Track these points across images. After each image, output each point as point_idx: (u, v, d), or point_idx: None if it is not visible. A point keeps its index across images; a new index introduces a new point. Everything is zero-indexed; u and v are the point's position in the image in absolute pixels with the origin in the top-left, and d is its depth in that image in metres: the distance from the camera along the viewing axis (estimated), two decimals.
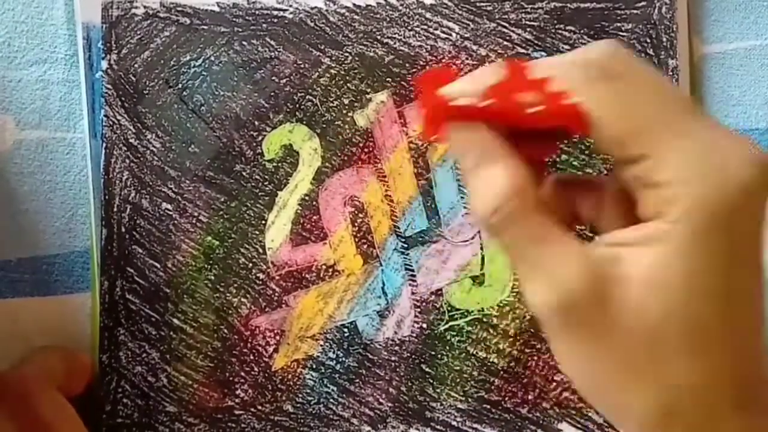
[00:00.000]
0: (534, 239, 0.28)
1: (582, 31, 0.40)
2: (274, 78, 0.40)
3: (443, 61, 0.40)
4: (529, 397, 0.39)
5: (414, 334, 0.39)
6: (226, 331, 0.39)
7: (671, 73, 0.39)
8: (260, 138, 0.40)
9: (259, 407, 0.39)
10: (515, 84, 0.29)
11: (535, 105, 0.28)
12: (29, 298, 0.39)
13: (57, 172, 0.39)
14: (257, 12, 0.40)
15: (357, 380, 0.39)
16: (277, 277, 0.39)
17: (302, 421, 0.39)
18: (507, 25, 0.40)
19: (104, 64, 0.39)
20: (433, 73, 0.30)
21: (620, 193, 0.29)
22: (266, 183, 0.39)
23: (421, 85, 0.31)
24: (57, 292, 0.39)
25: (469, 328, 0.39)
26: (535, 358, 0.39)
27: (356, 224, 0.39)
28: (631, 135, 0.27)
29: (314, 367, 0.39)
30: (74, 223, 0.39)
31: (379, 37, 0.40)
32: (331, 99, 0.40)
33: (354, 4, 0.40)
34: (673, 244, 0.26)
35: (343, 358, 0.39)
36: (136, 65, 0.39)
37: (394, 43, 0.40)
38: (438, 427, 0.39)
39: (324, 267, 0.39)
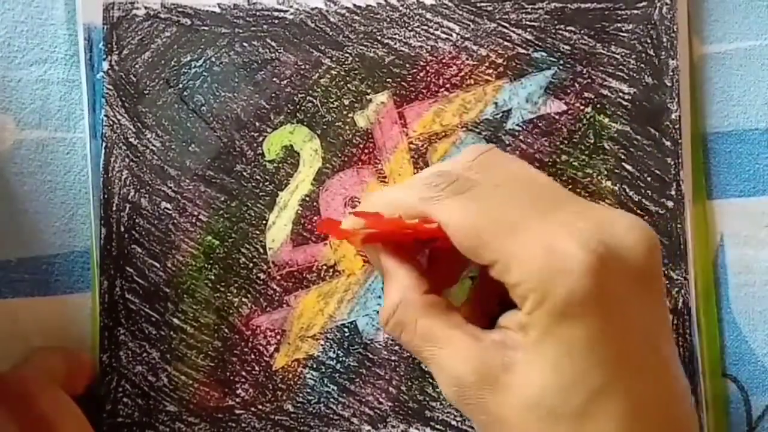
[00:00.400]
0: (424, 340, 0.31)
1: (582, 32, 0.40)
2: (274, 79, 0.40)
3: (444, 61, 0.40)
4: None
5: None
6: (226, 330, 0.39)
7: (672, 74, 0.39)
8: (261, 138, 0.40)
9: (260, 407, 0.39)
10: (381, 224, 0.32)
11: (405, 228, 0.32)
12: (29, 298, 0.39)
13: (57, 172, 0.40)
14: (258, 13, 0.40)
15: (357, 380, 0.39)
16: (278, 277, 0.39)
17: (303, 420, 0.39)
18: (507, 25, 0.40)
19: (105, 65, 0.39)
20: (325, 222, 0.38)
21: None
22: (267, 183, 0.40)
23: (326, 230, 0.38)
24: (57, 292, 0.39)
25: None
26: None
27: None
28: (480, 244, 0.30)
29: (315, 366, 0.39)
30: (74, 223, 0.39)
31: (379, 38, 0.40)
32: (332, 100, 0.40)
33: (354, 5, 0.40)
34: (535, 332, 0.29)
35: (344, 358, 0.39)
36: (136, 66, 0.40)
37: (395, 44, 0.40)
38: (438, 426, 0.39)
39: (324, 267, 0.39)
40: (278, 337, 0.39)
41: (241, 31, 0.40)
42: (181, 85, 0.40)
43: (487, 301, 0.33)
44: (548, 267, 0.28)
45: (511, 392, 0.29)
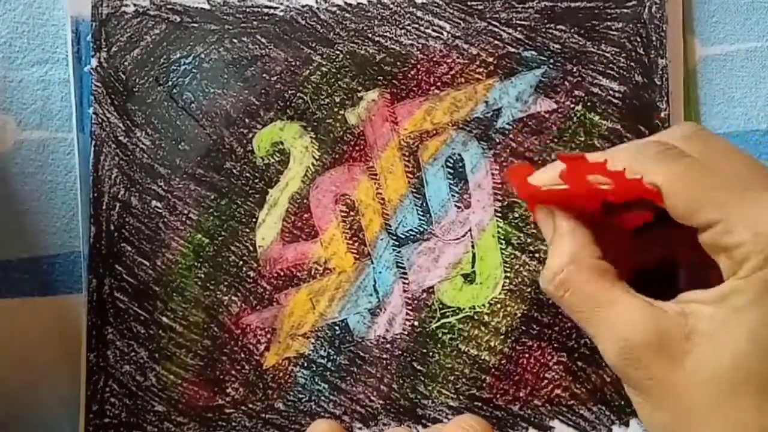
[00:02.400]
0: (592, 301, 0.31)
1: (572, 30, 0.40)
2: (264, 75, 0.39)
3: (434, 59, 0.40)
4: (521, 394, 0.39)
5: (405, 332, 0.39)
6: (216, 329, 0.39)
7: (661, 72, 0.40)
8: (251, 136, 0.39)
9: (250, 405, 0.39)
10: (581, 169, 0.32)
11: (605, 184, 0.31)
12: (29, 297, 0.39)
13: (58, 172, 0.39)
14: (248, 9, 0.40)
15: (348, 378, 0.39)
16: (268, 275, 0.39)
17: (293, 419, 0.39)
18: (498, 24, 0.40)
19: (94, 62, 0.39)
20: (517, 168, 0.36)
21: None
22: (257, 180, 0.39)
23: (513, 178, 0.35)
24: (57, 292, 0.39)
25: (461, 326, 0.39)
26: (527, 355, 0.39)
27: (347, 222, 0.39)
28: (700, 204, 0.30)
29: (305, 365, 0.39)
30: (75, 223, 0.39)
31: (370, 35, 0.40)
32: (322, 97, 0.40)
33: (345, 2, 0.40)
34: (742, 298, 0.28)
35: (335, 356, 0.39)
36: (126, 63, 0.39)
37: (386, 42, 0.40)
38: (429, 424, 0.39)
39: (315, 265, 0.39)
40: (268, 335, 0.39)
41: (230, 27, 0.39)
42: (170, 83, 0.39)
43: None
44: None
45: (689, 361, 0.29)
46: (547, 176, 0.33)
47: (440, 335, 0.39)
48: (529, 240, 0.39)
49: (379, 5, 0.40)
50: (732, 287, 0.29)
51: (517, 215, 0.39)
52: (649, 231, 0.34)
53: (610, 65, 0.40)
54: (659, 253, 0.35)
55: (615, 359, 0.30)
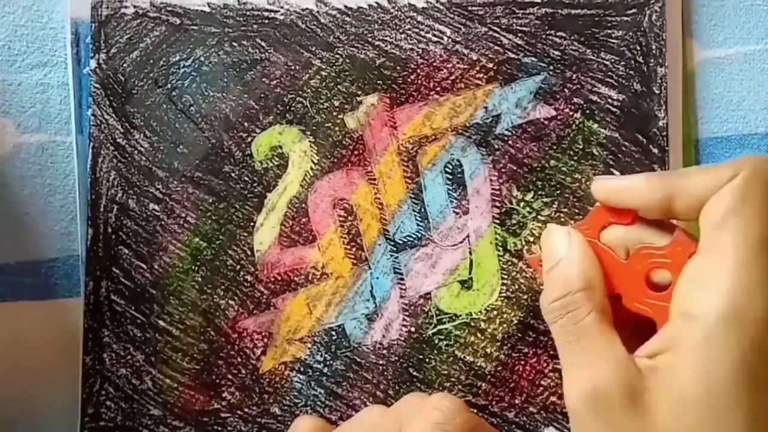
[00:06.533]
0: (585, 333, 0.31)
1: (572, 37, 0.40)
2: (264, 79, 0.39)
3: (434, 64, 0.40)
4: (516, 401, 0.39)
5: (402, 338, 0.39)
6: (213, 333, 0.39)
7: (660, 81, 0.40)
8: (249, 139, 0.39)
9: (246, 410, 0.39)
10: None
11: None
12: (29, 301, 0.39)
13: (57, 175, 0.39)
14: (248, 13, 0.39)
15: (344, 383, 0.39)
16: (265, 280, 0.39)
17: (289, 424, 0.38)
18: (498, 29, 0.40)
19: (93, 64, 0.39)
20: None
21: None
22: (255, 185, 0.39)
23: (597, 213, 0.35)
24: (56, 295, 0.39)
25: (457, 332, 0.39)
26: (523, 362, 0.39)
27: (345, 227, 0.39)
28: None
29: (302, 370, 0.39)
30: (74, 226, 0.39)
31: (370, 40, 0.40)
32: (322, 101, 0.39)
33: (345, 6, 0.40)
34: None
35: (331, 362, 0.39)
36: (125, 65, 0.39)
37: (386, 46, 0.40)
38: None
39: (312, 270, 0.39)
40: (265, 340, 0.39)
41: (230, 30, 0.39)
42: (169, 85, 0.39)
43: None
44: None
45: (651, 414, 0.29)
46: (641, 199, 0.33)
47: (437, 341, 0.39)
48: (526, 247, 0.39)
49: (379, 9, 0.40)
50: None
51: (515, 222, 0.39)
52: None
53: (610, 73, 0.40)
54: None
55: (577, 396, 0.30)
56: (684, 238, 0.32)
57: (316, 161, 0.39)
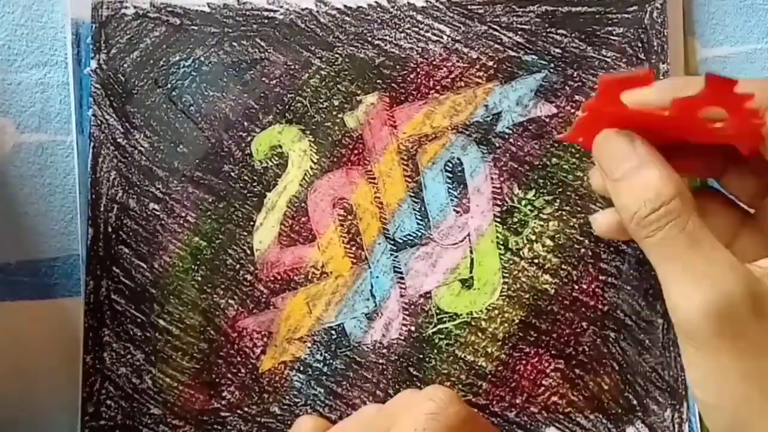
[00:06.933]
0: (692, 241, 0.28)
1: (573, 35, 0.40)
2: (263, 79, 0.39)
3: (434, 63, 0.40)
4: (517, 401, 0.39)
5: (402, 337, 0.39)
6: (212, 332, 0.39)
7: (662, 78, 0.39)
8: (249, 139, 0.39)
9: (246, 409, 0.39)
10: (712, 98, 0.29)
11: (719, 121, 0.29)
12: (28, 301, 0.39)
13: (57, 175, 0.39)
14: (247, 13, 0.40)
15: (344, 383, 0.39)
16: (265, 279, 0.39)
17: (289, 423, 0.38)
18: (498, 28, 0.40)
19: (93, 64, 0.39)
20: (613, 80, 0.31)
21: None
22: (255, 184, 0.39)
23: (604, 88, 0.31)
24: (56, 295, 0.39)
25: (458, 332, 0.39)
26: (523, 362, 0.39)
27: (345, 226, 0.39)
28: None
29: (301, 369, 0.39)
30: (74, 226, 0.39)
31: (369, 39, 0.40)
32: (321, 100, 0.39)
33: (345, 6, 0.40)
34: None
35: (331, 361, 0.39)
36: (125, 65, 0.39)
37: (385, 45, 0.40)
38: None
39: (312, 269, 0.39)
40: (265, 339, 0.39)
41: (230, 30, 0.39)
42: (169, 85, 0.39)
43: None
44: None
45: None
46: (653, 97, 0.30)
47: (437, 341, 0.39)
48: (528, 246, 0.39)
49: (378, 9, 0.40)
50: None
51: (516, 220, 0.39)
52: None
53: (611, 70, 0.39)
54: None
55: (704, 311, 0.27)
56: (717, 77, 0.29)
57: (315, 160, 0.39)
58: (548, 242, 0.39)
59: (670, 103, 0.29)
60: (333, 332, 0.39)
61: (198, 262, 0.39)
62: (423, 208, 0.39)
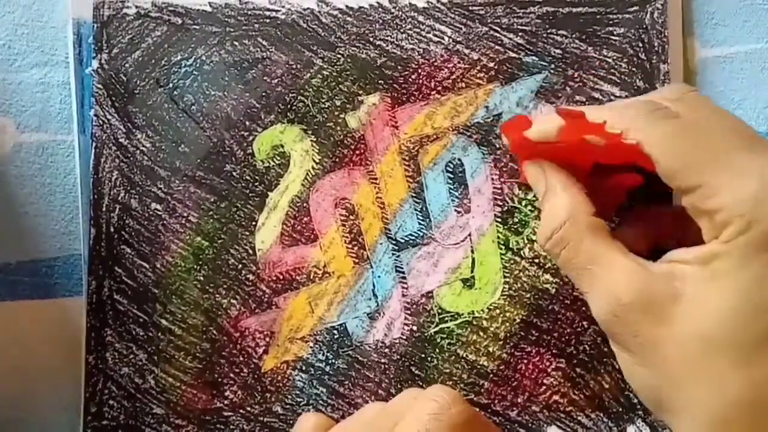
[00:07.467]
0: (588, 258, 0.32)
1: (574, 36, 0.40)
2: (265, 78, 0.39)
3: (435, 64, 0.40)
4: (519, 400, 0.39)
5: (404, 337, 0.39)
6: (215, 332, 0.39)
7: (663, 78, 0.40)
8: (251, 138, 0.39)
9: (248, 409, 0.39)
10: (579, 127, 0.32)
11: (599, 144, 0.32)
12: (29, 300, 0.39)
13: (57, 174, 0.39)
14: (249, 12, 0.40)
15: (346, 382, 0.39)
16: (267, 279, 0.39)
17: (291, 422, 0.39)
18: (499, 29, 0.40)
19: (95, 64, 0.39)
20: (515, 121, 0.36)
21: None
22: (257, 184, 0.39)
23: (509, 131, 0.36)
24: (57, 295, 0.39)
25: (459, 331, 0.39)
26: (525, 361, 0.39)
27: (347, 226, 0.39)
28: (684, 167, 0.30)
29: (304, 368, 0.39)
30: (74, 225, 0.39)
31: (371, 39, 0.40)
32: (323, 100, 0.40)
33: (347, 6, 0.40)
34: (726, 262, 0.29)
35: (333, 360, 0.39)
36: (126, 65, 0.39)
37: (387, 46, 0.40)
38: None
39: (314, 269, 0.39)
40: (267, 338, 0.39)
41: (232, 30, 0.39)
42: (171, 85, 0.39)
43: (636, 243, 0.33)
44: (761, 196, 0.28)
45: (675, 321, 0.29)
46: (544, 131, 0.34)
47: (439, 340, 0.39)
48: (529, 245, 0.39)
49: (380, 9, 0.40)
50: (715, 250, 0.29)
51: (517, 220, 0.39)
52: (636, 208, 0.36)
53: (612, 70, 0.40)
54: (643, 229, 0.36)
55: (603, 316, 0.31)
56: (564, 111, 0.33)
57: (317, 160, 0.39)
58: None
59: (557, 134, 0.33)
60: (335, 332, 0.39)
61: (200, 262, 0.39)
62: (424, 208, 0.39)
